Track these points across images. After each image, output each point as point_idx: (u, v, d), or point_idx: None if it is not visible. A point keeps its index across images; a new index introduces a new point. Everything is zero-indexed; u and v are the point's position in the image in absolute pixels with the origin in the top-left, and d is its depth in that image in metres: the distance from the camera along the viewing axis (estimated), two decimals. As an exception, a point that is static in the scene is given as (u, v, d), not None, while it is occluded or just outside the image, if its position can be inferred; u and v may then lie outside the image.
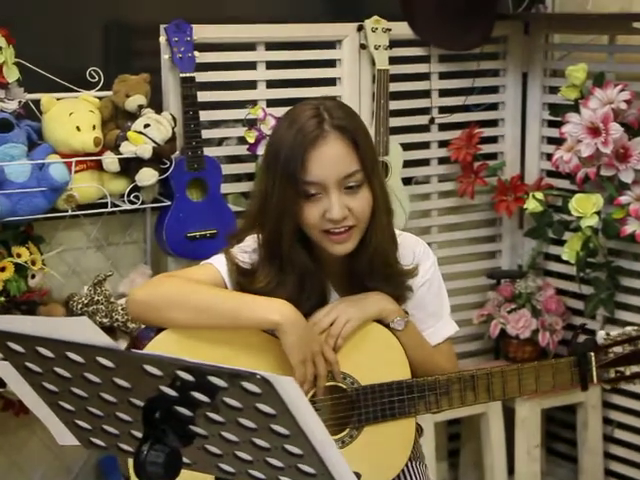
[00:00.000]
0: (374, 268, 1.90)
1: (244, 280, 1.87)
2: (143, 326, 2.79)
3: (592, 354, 2.03)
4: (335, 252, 1.86)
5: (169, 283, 1.86)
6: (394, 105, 3.27)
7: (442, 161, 3.52)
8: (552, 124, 3.51)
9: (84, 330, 1.31)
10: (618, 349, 2.05)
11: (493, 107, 3.61)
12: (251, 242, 1.92)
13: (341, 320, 1.87)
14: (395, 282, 1.94)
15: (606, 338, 2.05)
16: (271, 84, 3.15)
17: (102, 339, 1.31)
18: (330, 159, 1.82)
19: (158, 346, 1.81)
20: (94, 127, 2.77)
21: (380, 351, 1.91)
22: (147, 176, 2.78)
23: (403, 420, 1.93)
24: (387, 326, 1.92)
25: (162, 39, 2.89)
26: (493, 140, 3.62)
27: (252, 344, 1.83)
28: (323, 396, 1.87)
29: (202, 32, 2.95)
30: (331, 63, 3.25)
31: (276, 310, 1.79)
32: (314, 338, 1.83)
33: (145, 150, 2.75)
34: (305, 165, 1.81)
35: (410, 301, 1.98)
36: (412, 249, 1.98)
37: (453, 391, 1.94)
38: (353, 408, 1.90)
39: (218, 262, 1.90)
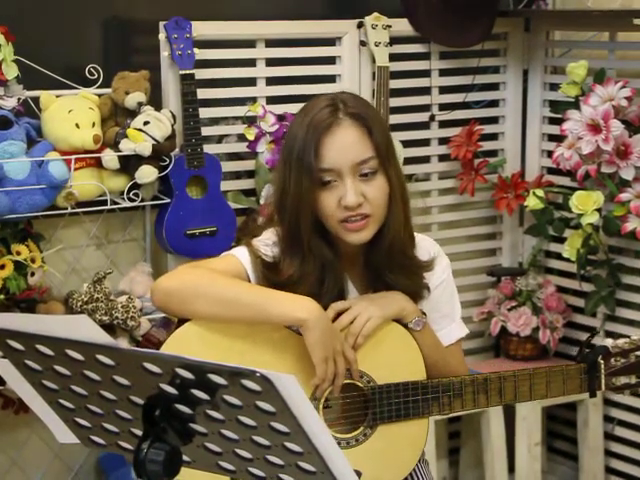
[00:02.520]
0: (392, 259, 1.91)
1: (268, 272, 1.88)
2: (147, 324, 2.79)
3: (602, 362, 2.03)
4: (352, 241, 1.87)
5: (195, 274, 1.85)
6: (394, 102, 3.27)
7: (442, 158, 3.52)
8: (553, 121, 3.51)
9: (84, 328, 1.31)
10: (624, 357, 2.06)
11: (493, 104, 3.61)
12: (270, 235, 1.93)
13: (362, 318, 1.88)
14: (413, 275, 1.94)
15: (614, 346, 2.06)
16: (271, 81, 3.14)
17: (102, 337, 1.31)
18: (343, 145, 1.83)
19: (180, 338, 1.81)
20: (93, 124, 2.76)
21: (397, 351, 1.92)
22: (147, 173, 2.78)
23: (416, 421, 1.94)
24: (405, 326, 1.93)
25: (161, 36, 2.88)
26: (493, 137, 3.62)
27: (274, 339, 1.83)
28: (339, 394, 1.88)
29: (201, 29, 2.95)
30: (331, 60, 3.25)
31: (303, 307, 1.79)
32: (337, 336, 1.84)
33: (145, 147, 2.75)
34: (319, 152, 1.82)
35: (426, 302, 1.98)
36: (428, 250, 1.99)
37: (466, 393, 1.95)
38: (368, 407, 1.91)
39: (240, 254, 1.90)
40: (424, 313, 1.96)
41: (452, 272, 2.05)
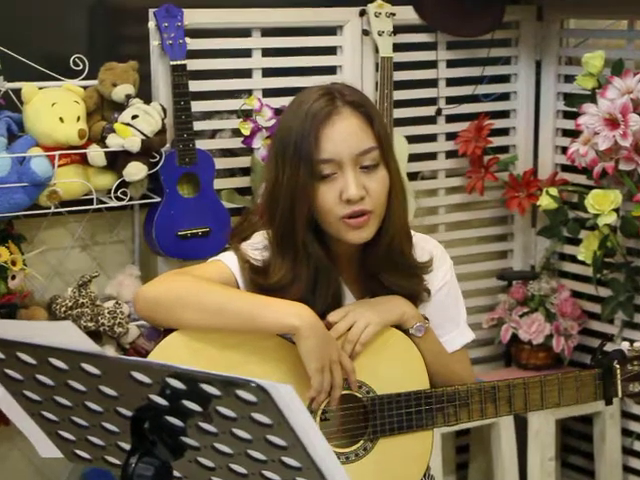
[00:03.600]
0: (391, 259, 1.91)
1: (258, 277, 1.87)
2: (135, 331, 2.79)
3: (617, 366, 2.03)
4: (352, 240, 1.86)
5: (180, 281, 1.86)
6: (398, 95, 3.27)
7: (450, 155, 3.52)
8: (567, 115, 3.51)
9: (68, 335, 1.31)
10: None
11: (504, 97, 3.61)
12: (260, 239, 1.93)
13: (360, 325, 1.88)
14: (411, 276, 1.94)
15: (630, 349, 2.06)
16: (267, 73, 3.14)
17: (87, 344, 1.31)
18: (344, 134, 1.83)
19: (166, 349, 1.82)
20: (78, 118, 2.76)
21: (398, 358, 1.92)
22: (135, 171, 2.78)
23: (420, 433, 1.93)
24: (406, 332, 1.93)
25: (151, 24, 2.88)
26: (504, 132, 3.62)
27: (265, 348, 1.83)
28: (337, 406, 1.88)
29: (194, 17, 2.95)
30: (331, 50, 3.25)
31: (295, 313, 1.79)
32: (333, 344, 1.83)
33: (133, 143, 2.75)
34: (318, 143, 1.82)
35: (428, 305, 1.98)
36: (428, 251, 1.99)
37: (473, 403, 1.95)
38: (368, 419, 1.90)
39: (228, 259, 1.90)
40: (426, 318, 1.96)
41: (460, 276, 2.05)
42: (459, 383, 1.96)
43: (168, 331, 1.84)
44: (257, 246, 1.92)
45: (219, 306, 1.80)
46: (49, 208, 2.75)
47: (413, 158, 3.37)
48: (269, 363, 1.83)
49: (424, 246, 1.99)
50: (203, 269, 1.91)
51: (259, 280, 1.87)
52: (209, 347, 1.81)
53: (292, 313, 1.79)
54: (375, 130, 1.86)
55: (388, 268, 1.92)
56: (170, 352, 1.81)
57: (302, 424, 1.23)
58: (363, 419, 1.91)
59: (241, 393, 1.22)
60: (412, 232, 1.98)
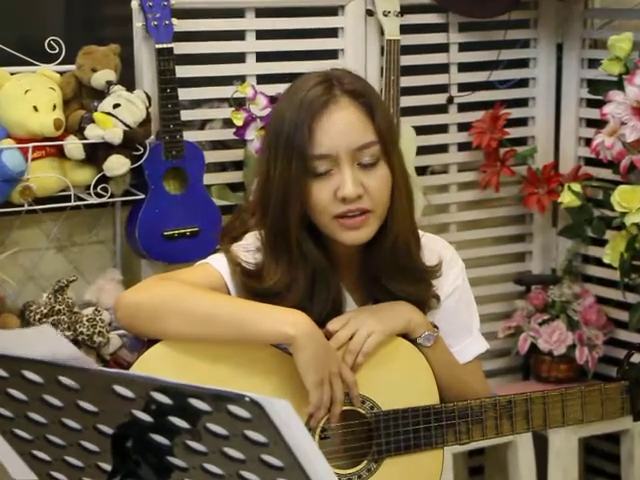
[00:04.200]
0: (394, 263, 1.91)
1: (250, 281, 1.87)
2: (117, 341, 2.79)
3: None
4: (348, 241, 1.86)
5: (164, 286, 1.86)
6: (406, 82, 3.27)
7: (462, 147, 3.53)
8: (591, 104, 3.51)
9: (45, 341, 1.31)
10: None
11: (522, 84, 3.62)
12: (252, 240, 1.92)
13: (362, 334, 1.87)
14: (418, 281, 1.94)
15: None
16: (262, 57, 3.15)
17: (69, 350, 1.31)
18: (341, 127, 1.83)
19: (149, 361, 1.81)
20: (54, 107, 2.77)
21: (405, 371, 1.92)
22: (117, 165, 2.79)
23: (429, 452, 1.93)
24: (413, 341, 1.93)
25: (134, 4, 2.88)
26: (522, 123, 3.62)
27: (258, 360, 1.83)
28: (337, 423, 1.87)
29: (181, -4, 2.96)
30: (332, 32, 3.26)
31: (291, 321, 1.79)
32: (332, 355, 1.83)
33: (114, 134, 2.75)
34: (313, 136, 1.81)
35: (437, 312, 1.99)
36: (437, 252, 1.99)
37: (487, 419, 1.95)
38: (372, 437, 1.90)
39: (217, 262, 1.90)
40: (435, 326, 1.96)
41: (473, 280, 2.05)
42: (472, 397, 1.96)
43: (151, 342, 1.84)
44: (249, 247, 1.92)
45: (207, 314, 1.80)
46: (22, 206, 2.75)
47: (422, 151, 3.37)
48: (262, 376, 1.83)
49: (432, 248, 1.99)
50: (190, 273, 1.91)
51: (251, 285, 1.87)
52: (196, 359, 1.81)
53: (288, 321, 1.79)
54: (376, 123, 1.85)
55: (392, 272, 1.92)
56: (153, 365, 1.80)
57: (300, 443, 1.23)
58: (366, 437, 1.91)
59: (233, 408, 1.22)
60: (420, 232, 1.98)
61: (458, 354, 2.01)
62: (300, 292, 1.86)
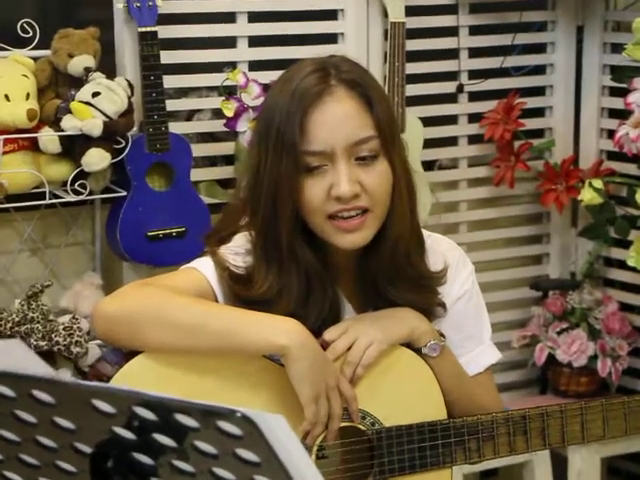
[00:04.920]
0: (395, 267, 1.91)
1: (239, 287, 1.87)
2: (96, 351, 2.79)
3: None
4: (344, 245, 1.86)
5: (146, 293, 1.86)
6: (412, 68, 3.28)
7: (473, 140, 3.53)
8: (614, 92, 3.52)
9: (15, 356, 1.31)
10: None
11: (539, 70, 3.63)
12: (242, 242, 1.93)
13: (361, 343, 1.87)
14: (422, 288, 1.94)
15: None
16: (255, 41, 3.15)
17: (38, 367, 1.31)
18: (337, 120, 1.83)
19: (129, 375, 1.81)
20: (28, 96, 2.77)
21: (408, 383, 1.92)
22: (96, 159, 2.79)
23: (436, 472, 1.93)
24: (417, 351, 1.93)
25: (115, -17, 2.90)
26: (539, 113, 3.63)
27: (249, 373, 1.84)
28: (335, 441, 1.88)
29: (166, -26, 2.96)
30: (331, 15, 3.26)
31: (284, 330, 1.78)
32: (329, 367, 1.83)
33: (93, 125, 2.75)
34: (305, 131, 1.81)
35: (444, 320, 1.99)
36: (443, 254, 1.99)
37: (499, 435, 1.95)
38: (374, 456, 1.90)
39: (204, 266, 1.90)
40: (442, 335, 1.96)
41: (484, 285, 2.06)
42: (482, 412, 1.96)
43: (132, 354, 1.84)
44: (239, 250, 1.92)
45: (192, 324, 1.80)
46: (-8, 204, 2.76)
47: (429, 144, 3.38)
48: (252, 390, 1.83)
49: (438, 249, 1.99)
50: (174, 278, 1.91)
51: (241, 291, 1.88)
52: (180, 372, 1.81)
53: (280, 330, 1.79)
54: (375, 115, 1.85)
55: (392, 278, 1.92)
56: (134, 379, 1.81)
57: (296, 462, 1.23)
58: (368, 456, 1.91)
59: (223, 425, 1.22)
60: (427, 233, 1.98)
61: (467, 365, 2.01)
62: (293, 299, 1.86)
